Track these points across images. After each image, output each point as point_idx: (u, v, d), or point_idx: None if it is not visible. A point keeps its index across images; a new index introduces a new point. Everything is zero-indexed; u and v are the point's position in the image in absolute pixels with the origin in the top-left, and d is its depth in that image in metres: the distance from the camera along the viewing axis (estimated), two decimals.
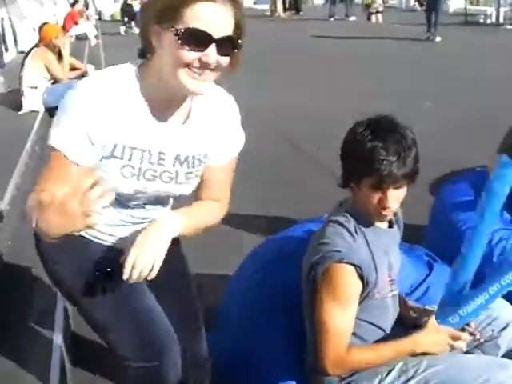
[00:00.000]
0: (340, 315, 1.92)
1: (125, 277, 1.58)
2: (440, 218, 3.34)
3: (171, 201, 1.94)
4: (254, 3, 29.09)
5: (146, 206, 1.81)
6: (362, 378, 2.04)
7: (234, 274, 2.71)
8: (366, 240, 1.96)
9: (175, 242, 1.75)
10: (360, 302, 1.98)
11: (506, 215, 3.13)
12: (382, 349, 1.99)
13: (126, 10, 18.47)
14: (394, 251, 2.14)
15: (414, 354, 1.99)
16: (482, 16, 19.91)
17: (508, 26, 17.58)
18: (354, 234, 1.94)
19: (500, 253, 2.94)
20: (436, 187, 4.06)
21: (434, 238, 3.31)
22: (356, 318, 1.99)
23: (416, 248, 2.94)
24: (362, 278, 1.90)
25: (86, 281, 1.76)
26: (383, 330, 2.08)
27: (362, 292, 1.94)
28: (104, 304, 1.79)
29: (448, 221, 3.19)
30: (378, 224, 2.02)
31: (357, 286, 1.92)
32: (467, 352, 2.23)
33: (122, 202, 1.74)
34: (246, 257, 2.70)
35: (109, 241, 1.82)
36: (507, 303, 2.30)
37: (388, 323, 2.11)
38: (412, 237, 3.17)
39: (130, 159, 1.65)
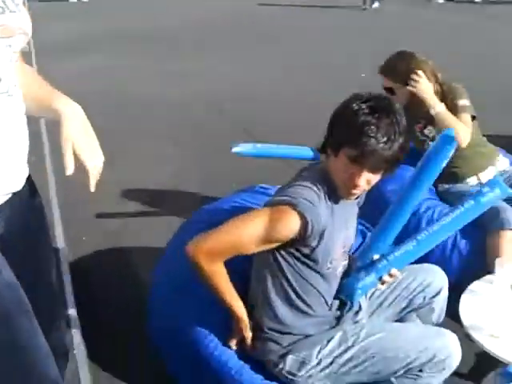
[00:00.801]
0: (252, 234, 1.88)
1: (92, 189, 1.53)
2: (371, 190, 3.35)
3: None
4: None
5: None
6: (302, 347, 2.05)
7: (166, 246, 2.65)
8: (330, 203, 1.94)
9: (32, 193, 1.59)
10: (309, 264, 1.96)
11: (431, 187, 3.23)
12: (233, 296, 2.00)
13: None
14: (353, 221, 2.15)
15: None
16: None
17: (440, 1, 17.87)
18: (320, 192, 1.91)
19: (427, 222, 3.03)
20: None
21: (366, 208, 3.33)
22: (306, 280, 1.99)
23: None
24: (305, 233, 1.87)
25: None
26: (322, 296, 2.07)
27: (308, 238, 1.90)
28: None
29: (378, 192, 3.22)
30: (340, 194, 2.00)
31: (291, 232, 1.88)
32: (401, 319, 2.27)
33: None
34: (178, 228, 2.64)
35: None
36: (439, 269, 2.35)
37: (332, 290, 2.11)
38: None
39: None
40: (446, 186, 3.24)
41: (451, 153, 2.00)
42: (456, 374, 2.04)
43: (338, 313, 2.15)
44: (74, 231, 3.82)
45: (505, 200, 2.79)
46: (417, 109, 3.08)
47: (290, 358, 2.05)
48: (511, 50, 8.90)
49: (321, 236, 1.90)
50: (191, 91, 6.99)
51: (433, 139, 3.14)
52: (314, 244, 1.92)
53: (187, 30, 11.50)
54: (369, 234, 2.59)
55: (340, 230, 2.00)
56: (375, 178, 1.89)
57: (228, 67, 8.25)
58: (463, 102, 3.04)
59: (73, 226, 3.89)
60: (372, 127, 1.78)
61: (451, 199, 3.17)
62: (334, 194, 1.96)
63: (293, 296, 2.02)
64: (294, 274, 1.99)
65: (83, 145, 1.47)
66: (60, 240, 3.71)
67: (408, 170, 3.12)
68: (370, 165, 1.82)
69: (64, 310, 2.74)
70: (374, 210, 3.11)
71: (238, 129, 5.64)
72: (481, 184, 3.11)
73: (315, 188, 1.91)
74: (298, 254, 1.96)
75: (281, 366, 2.07)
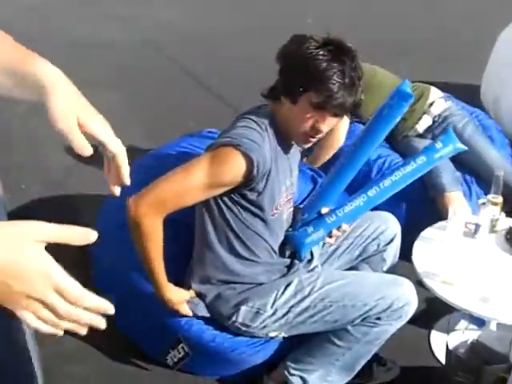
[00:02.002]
0: (196, 181, 1.80)
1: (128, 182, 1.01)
2: None
3: None
4: None
5: None
6: (255, 296, 2.00)
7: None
8: (274, 147, 1.87)
9: None
10: (254, 211, 1.90)
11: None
12: (160, 271, 1.92)
13: None
14: (296, 167, 2.10)
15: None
16: None
17: None
18: (265, 135, 1.84)
19: (378, 170, 3.00)
20: None
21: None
22: (250, 228, 1.93)
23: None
24: (250, 173, 1.79)
25: None
26: (268, 243, 2.02)
27: (253, 183, 1.83)
28: None
29: None
30: (287, 141, 1.95)
31: (236, 175, 1.80)
32: (353, 267, 2.24)
33: None
34: None
35: None
36: (392, 216, 2.32)
37: (278, 238, 2.06)
38: None
39: None
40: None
41: (406, 109, 1.94)
42: (408, 320, 2.03)
43: (288, 261, 2.09)
44: (13, 179, 3.65)
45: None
46: None
47: (243, 310, 2.00)
48: None
49: (267, 179, 1.85)
50: (137, 36, 6.72)
51: None
52: (259, 187, 1.85)
53: None
54: (317, 186, 2.53)
55: (285, 176, 1.96)
56: (335, 123, 1.86)
57: (175, 11, 7.98)
58: None
59: (12, 174, 3.71)
60: (338, 73, 1.76)
61: (403, 149, 3.11)
62: (280, 140, 1.90)
63: (237, 244, 1.96)
64: (238, 222, 1.93)
65: (91, 116, 0.98)
66: None
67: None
68: (335, 110, 1.79)
69: None
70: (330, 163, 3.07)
71: (187, 76, 5.47)
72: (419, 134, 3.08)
73: (259, 129, 1.85)
74: (243, 202, 1.89)
75: (234, 319, 2.01)
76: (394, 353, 2.31)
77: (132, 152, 3.66)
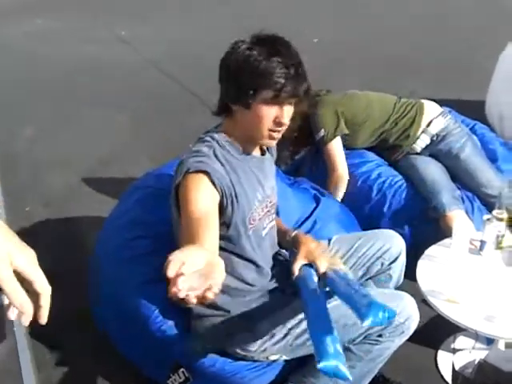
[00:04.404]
0: (196, 223, 1.70)
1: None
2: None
3: None
4: None
5: None
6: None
7: (112, 210, 2.52)
8: (230, 162, 1.84)
9: None
10: (230, 234, 1.85)
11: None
12: None
13: None
14: (269, 179, 2.05)
15: None
16: None
17: None
18: (213, 159, 1.81)
19: (378, 190, 2.97)
20: None
21: (316, 173, 3.23)
22: (227, 251, 1.87)
23: (302, 181, 2.87)
24: (215, 185, 1.76)
25: None
26: (254, 263, 1.97)
27: (222, 203, 1.79)
28: None
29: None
30: (248, 152, 1.93)
31: (209, 191, 1.75)
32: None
33: None
34: (124, 192, 2.52)
35: None
36: (396, 234, 2.27)
37: (264, 256, 2.02)
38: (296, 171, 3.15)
39: None
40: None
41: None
42: (413, 339, 1.98)
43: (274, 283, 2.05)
44: (17, 201, 3.65)
45: None
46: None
47: (240, 334, 1.95)
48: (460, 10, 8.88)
49: (231, 195, 1.80)
50: (142, 56, 6.76)
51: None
52: (228, 209, 1.80)
53: None
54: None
55: (253, 188, 1.91)
56: (291, 110, 1.86)
57: (177, 31, 8.03)
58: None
59: (16, 196, 3.71)
60: (280, 65, 1.77)
61: (403, 169, 3.09)
62: (232, 150, 1.88)
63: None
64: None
65: (24, 258, 0.85)
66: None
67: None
68: (289, 99, 1.81)
69: None
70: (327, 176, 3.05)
71: (190, 95, 5.49)
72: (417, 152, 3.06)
73: (203, 149, 1.83)
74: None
75: (231, 343, 1.98)
76: (400, 373, 2.26)
77: (136, 171, 3.67)
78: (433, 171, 2.97)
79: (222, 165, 1.82)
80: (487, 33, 6.66)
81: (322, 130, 2.98)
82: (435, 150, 3.03)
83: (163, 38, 7.54)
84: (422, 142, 3.04)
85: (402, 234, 2.32)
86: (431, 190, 2.88)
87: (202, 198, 1.73)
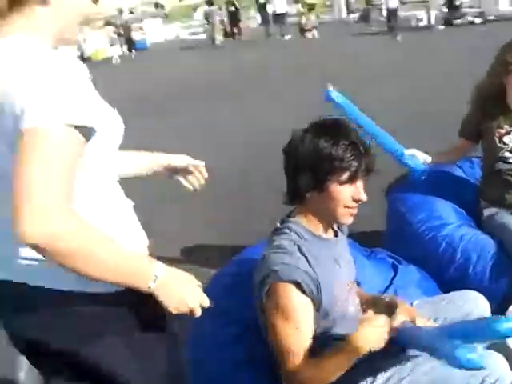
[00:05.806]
0: (293, 334, 1.83)
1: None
2: (396, 221, 3.30)
3: None
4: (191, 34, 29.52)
5: None
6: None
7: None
8: (310, 251, 1.91)
9: None
10: (319, 320, 1.92)
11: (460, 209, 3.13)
12: (322, 362, 1.83)
13: None
14: (345, 258, 2.11)
15: (360, 354, 1.79)
16: (414, 19, 20.28)
17: (440, 27, 18.08)
18: (297, 255, 1.89)
19: (462, 251, 2.87)
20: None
21: (394, 241, 3.25)
22: (321, 336, 1.92)
23: (378, 251, 2.91)
24: (305, 293, 1.84)
25: None
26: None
27: (315, 305, 1.88)
28: None
29: (406, 223, 3.15)
30: (323, 235, 2.00)
31: (303, 301, 1.85)
32: None
33: None
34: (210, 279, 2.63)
35: None
36: (479, 295, 2.26)
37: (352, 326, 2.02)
38: (372, 241, 3.16)
39: None
40: (493, 209, 2.97)
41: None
42: None
43: None
44: None
45: None
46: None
47: None
48: None
49: (318, 289, 1.88)
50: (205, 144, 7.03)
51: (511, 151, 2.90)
52: (317, 301, 1.89)
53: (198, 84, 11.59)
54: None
55: (331, 272, 1.96)
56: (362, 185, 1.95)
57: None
58: None
59: None
60: (348, 147, 1.86)
61: (492, 229, 2.91)
62: (310, 238, 1.95)
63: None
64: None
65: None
66: None
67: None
68: (362, 174, 1.90)
69: None
70: (406, 243, 3.06)
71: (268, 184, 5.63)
72: None
73: (284, 243, 1.91)
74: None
75: None
76: None
77: (215, 261, 3.78)
78: None
79: (306, 258, 1.89)
80: None
81: None
82: None
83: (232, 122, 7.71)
84: None
85: (496, 288, 2.27)
86: None
87: (299, 313, 1.84)
